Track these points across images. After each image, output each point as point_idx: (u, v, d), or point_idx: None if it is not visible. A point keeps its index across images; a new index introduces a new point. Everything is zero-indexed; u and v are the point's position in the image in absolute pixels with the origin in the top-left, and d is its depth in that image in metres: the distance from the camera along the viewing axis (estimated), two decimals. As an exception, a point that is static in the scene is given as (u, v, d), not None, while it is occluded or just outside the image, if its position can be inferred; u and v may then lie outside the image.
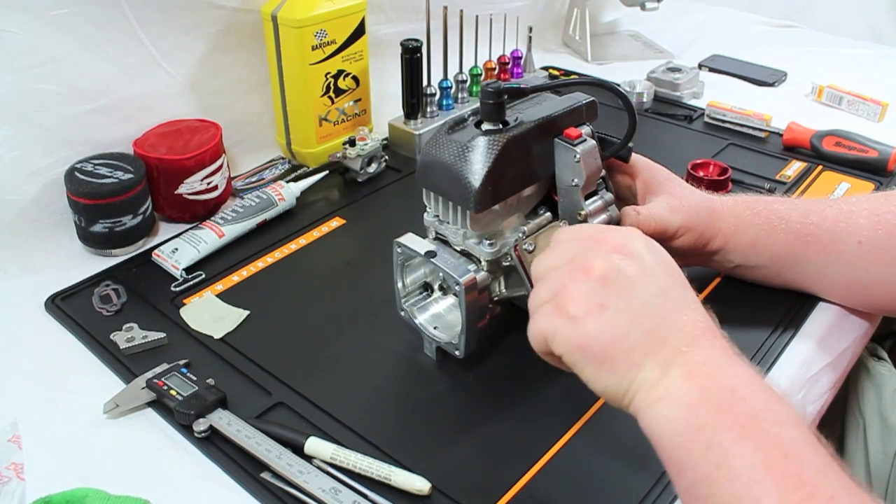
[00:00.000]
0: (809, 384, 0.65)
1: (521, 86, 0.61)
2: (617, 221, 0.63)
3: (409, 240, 0.62)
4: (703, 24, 1.42)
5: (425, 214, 0.63)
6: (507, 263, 0.61)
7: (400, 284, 0.64)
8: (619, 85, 1.09)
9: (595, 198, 0.62)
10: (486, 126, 0.58)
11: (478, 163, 0.55)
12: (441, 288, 0.65)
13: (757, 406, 0.42)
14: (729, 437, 0.41)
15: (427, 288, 0.66)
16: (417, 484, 0.53)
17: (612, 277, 0.46)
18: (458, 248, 0.61)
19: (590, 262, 0.47)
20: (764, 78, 1.19)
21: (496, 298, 0.62)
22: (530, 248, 0.58)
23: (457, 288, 0.58)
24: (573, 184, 0.60)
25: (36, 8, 0.75)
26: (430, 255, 0.60)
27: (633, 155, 0.65)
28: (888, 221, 0.64)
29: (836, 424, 0.80)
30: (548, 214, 0.63)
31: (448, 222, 0.61)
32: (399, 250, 0.62)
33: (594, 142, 0.60)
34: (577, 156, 0.59)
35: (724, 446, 0.41)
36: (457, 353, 0.61)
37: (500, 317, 0.64)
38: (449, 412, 0.61)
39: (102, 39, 0.80)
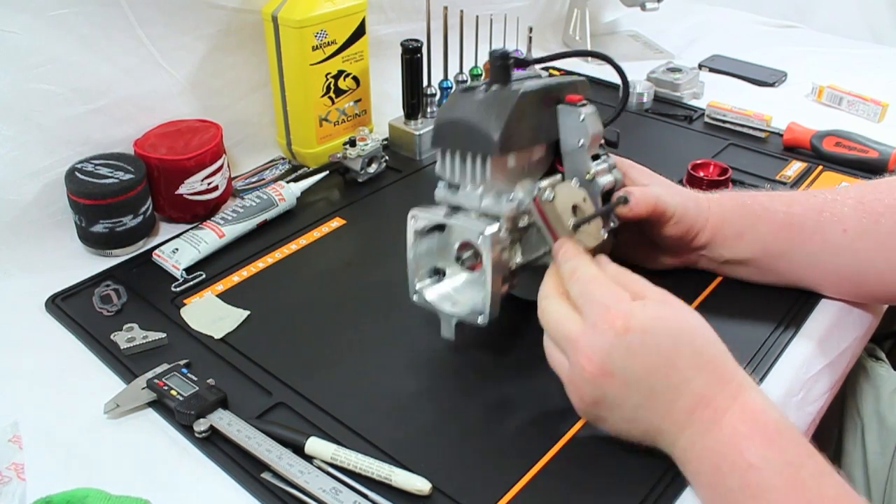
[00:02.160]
0: (809, 385, 0.65)
1: (524, 57, 0.65)
2: (621, 184, 0.65)
3: (424, 210, 0.62)
4: (703, 25, 1.42)
5: (437, 190, 0.64)
6: (525, 224, 0.61)
7: (412, 255, 0.63)
8: (618, 86, 1.09)
9: (599, 161, 0.64)
10: (495, 87, 0.61)
11: (499, 110, 0.59)
12: (458, 259, 0.64)
13: (734, 485, 0.47)
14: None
15: (437, 272, 0.65)
16: (418, 484, 0.53)
17: (600, 400, 0.52)
18: (476, 215, 0.61)
19: (581, 387, 0.52)
20: (764, 78, 1.19)
21: (513, 269, 0.62)
22: (550, 198, 0.58)
23: (480, 240, 0.58)
24: (579, 145, 0.62)
25: (36, 8, 0.75)
26: (451, 213, 0.61)
27: (617, 157, 0.66)
28: (873, 209, 0.64)
29: (833, 425, 0.80)
30: (557, 175, 0.64)
31: (464, 186, 0.62)
32: (414, 220, 0.62)
33: (594, 106, 0.63)
34: (583, 115, 0.62)
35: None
36: (480, 319, 0.60)
37: (500, 318, 0.64)
38: (449, 412, 0.61)
39: (102, 39, 0.80)
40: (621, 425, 0.53)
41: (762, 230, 0.67)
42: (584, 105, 0.63)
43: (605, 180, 0.63)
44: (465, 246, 0.62)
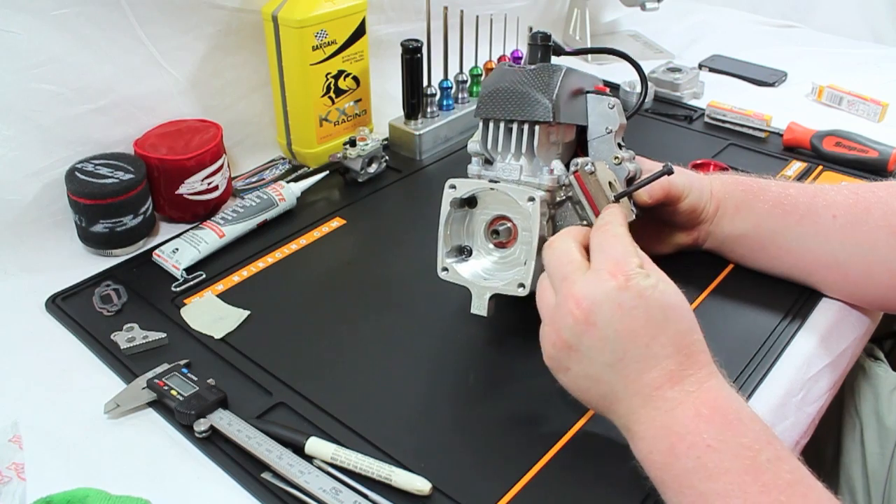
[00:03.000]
0: (809, 385, 0.65)
1: (559, 45, 0.68)
2: (640, 174, 0.67)
3: (461, 181, 0.62)
4: (703, 24, 1.42)
5: (470, 166, 0.64)
6: (562, 198, 0.62)
7: (445, 227, 0.62)
8: (618, 86, 1.10)
9: (622, 150, 0.66)
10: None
11: (547, 80, 0.61)
12: (493, 233, 0.63)
13: (690, 466, 0.47)
14: (697, 477, 0.47)
15: (462, 251, 0.64)
16: (418, 484, 0.53)
17: (574, 346, 0.51)
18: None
19: (560, 328, 0.51)
20: (764, 78, 1.19)
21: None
22: (591, 170, 0.59)
23: (530, 203, 0.59)
24: (607, 132, 0.66)
25: (36, 8, 0.75)
26: (494, 182, 0.61)
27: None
28: (865, 199, 0.66)
29: (833, 425, 0.80)
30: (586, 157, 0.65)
31: (505, 159, 0.62)
32: (452, 191, 0.62)
33: (618, 99, 0.67)
34: (612, 104, 0.66)
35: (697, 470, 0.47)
36: (520, 290, 0.60)
37: (500, 316, 0.64)
38: (449, 412, 0.61)
39: (102, 39, 0.80)
40: (582, 381, 0.52)
41: (756, 206, 0.70)
42: (611, 95, 0.66)
43: (631, 167, 0.66)
44: (500, 219, 0.62)
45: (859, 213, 0.66)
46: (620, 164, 0.65)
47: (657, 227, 0.72)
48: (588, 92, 0.66)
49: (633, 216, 0.63)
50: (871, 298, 0.70)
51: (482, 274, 0.63)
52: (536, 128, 0.61)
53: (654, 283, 0.50)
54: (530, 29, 1.11)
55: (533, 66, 0.62)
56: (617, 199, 0.59)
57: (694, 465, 0.46)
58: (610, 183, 0.61)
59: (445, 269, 0.63)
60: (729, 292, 0.72)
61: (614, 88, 1.13)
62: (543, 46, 0.64)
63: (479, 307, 0.62)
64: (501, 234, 0.62)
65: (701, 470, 0.46)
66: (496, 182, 0.61)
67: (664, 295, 0.50)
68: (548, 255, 0.55)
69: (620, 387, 0.50)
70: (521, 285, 0.60)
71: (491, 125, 0.63)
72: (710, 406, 0.48)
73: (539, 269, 0.58)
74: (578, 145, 0.68)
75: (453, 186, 0.62)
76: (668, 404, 0.49)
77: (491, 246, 0.63)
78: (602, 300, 0.49)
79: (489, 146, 0.63)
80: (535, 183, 0.61)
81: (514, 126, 0.62)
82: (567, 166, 0.63)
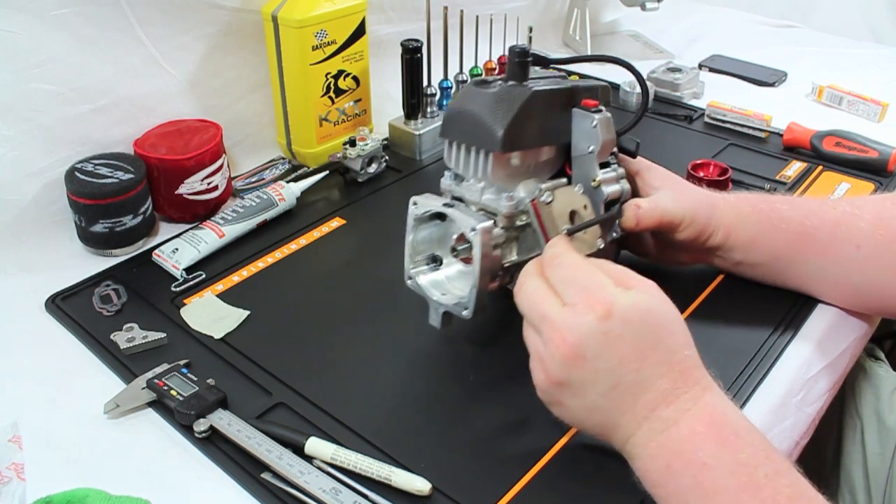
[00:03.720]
0: (808, 385, 0.65)
1: (544, 56, 0.65)
2: (628, 196, 0.65)
3: (426, 197, 0.63)
4: (703, 24, 1.42)
5: (443, 179, 0.64)
6: (522, 223, 0.62)
7: (410, 238, 0.64)
8: (618, 86, 1.09)
9: (608, 169, 0.64)
10: (511, 83, 0.60)
11: (506, 108, 0.59)
12: (453, 250, 0.64)
13: (685, 486, 0.47)
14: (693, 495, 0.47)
15: (434, 260, 0.65)
16: (418, 484, 0.53)
17: (565, 382, 0.50)
18: (476, 208, 0.62)
19: (548, 367, 0.51)
20: (764, 78, 1.19)
21: (507, 265, 0.62)
22: (548, 200, 0.59)
23: (472, 234, 0.58)
24: (589, 151, 0.62)
25: (36, 8, 0.75)
26: (449, 205, 0.61)
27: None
28: (890, 226, 0.64)
29: (833, 426, 0.80)
30: (563, 179, 0.64)
31: (467, 178, 0.62)
32: (415, 207, 0.63)
33: (609, 114, 0.63)
34: (595, 122, 0.62)
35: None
36: (464, 312, 0.60)
37: (500, 317, 0.64)
38: (450, 412, 0.61)
39: (102, 39, 0.80)
40: (578, 413, 0.52)
41: (775, 238, 0.66)
42: (598, 111, 0.62)
43: (611, 189, 0.63)
44: (462, 238, 0.62)
45: (885, 243, 0.63)
46: (598, 187, 0.63)
47: (659, 241, 0.70)
48: (575, 106, 0.63)
49: (599, 245, 0.60)
50: (882, 312, 0.70)
51: (446, 283, 0.64)
52: (490, 155, 0.59)
53: (635, 299, 0.49)
54: (530, 29, 1.11)
55: (496, 90, 0.60)
56: (570, 233, 0.57)
57: (690, 483, 0.46)
58: (574, 212, 0.60)
59: (410, 278, 0.64)
60: (724, 297, 0.71)
61: (614, 88, 1.13)
62: (520, 63, 0.60)
63: (435, 320, 0.64)
64: (460, 252, 0.63)
65: (698, 488, 0.46)
66: (451, 206, 0.61)
67: (649, 313, 0.50)
68: (520, 300, 0.54)
69: (616, 414, 0.50)
70: (466, 308, 0.61)
71: (454, 146, 0.62)
72: (707, 422, 0.48)
73: (485, 292, 0.60)
74: (567, 160, 0.65)
75: (415, 203, 0.63)
76: (663, 424, 0.48)
77: (457, 259, 0.64)
78: (587, 333, 0.49)
79: (452, 165, 0.63)
80: (494, 207, 0.61)
81: (472, 150, 0.61)
82: (553, 179, 0.63)
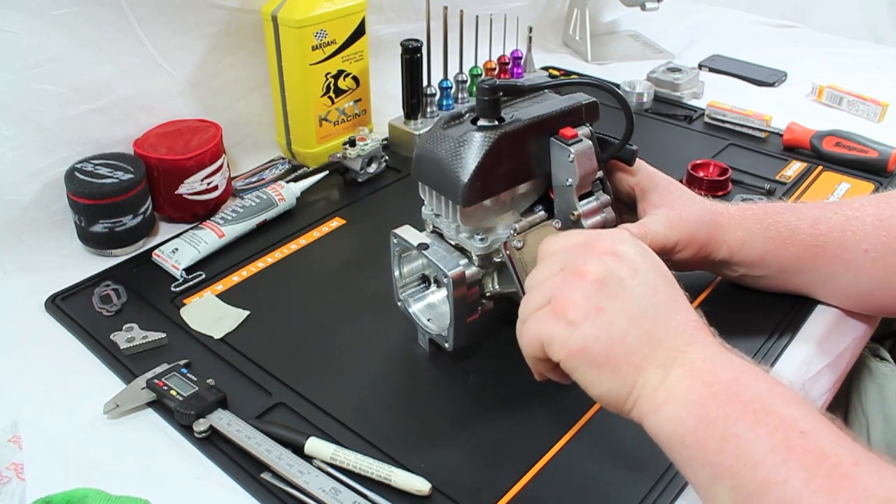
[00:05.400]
0: (809, 385, 0.65)
1: (518, 84, 0.60)
2: (612, 224, 0.63)
3: (406, 231, 0.62)
4: (703, 24, 1.42)
5: (423, 208, 0.64)
6: (499, 259, 0.61)
7: (397, 273, 0.65)
8: (618, 86, 1.09)
9: (590, 198, 0.62)
10: (481, 122, 0.58)
11: (468, 158, 0.56)
12: (435, 280, 0.65)
13: (762, 392, 0.43)
14: (743, 425, 0.41)
15: (425, 280, 0.66)
16: (417, 484, 0.53)
17: (606, 280, 0.46)
18: (453, 243, 0.62)
19: (583, 266, 0.47)
20: (764, 78, 1.19)
21: (489, 294, 0.62)
22: (519, 245, 0.59)
23: (445, 280, 0.58)
24: (567, 183, 0.60)
25: (36, 8, 0.75)
26: (423, 247, 0.60)
27: (644, 169, 0.65)
28: (892, 227, 0.64)
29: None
30: (542, 213, 0.63)
31: (442, 216, 0.62)
32: (395, 241, 0.63)
33: (590, 142, 0.60)
34: (571, 155, 0.59)
35: (740, 436, 0.41)
36: (446, 345, 0.61)
37: (499, 316, 0.64)
38: (449, 413, 0.61)
39: (102, 39, 0.80)
40: (620, 323, 0.45)
41: (785, 252, 0.65)
42: (576, 143, 0.59)
43: (593, 221, 0.62)
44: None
45: (890, 244, 0.63)
46: (577, 220, 0.61)
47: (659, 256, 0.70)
48: (552, 136, 0.60)
49: None
50: (893, 313, 0.70)
51: (438, 305, 0.65)
52: (458, 204, 0.58)
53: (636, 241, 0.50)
54: (530, 29, 1.12)
55: (461, 133, 0.57)
56: None
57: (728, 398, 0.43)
58: None
59: (400, 300, 0.65)
60: (724, 297, 0.71)
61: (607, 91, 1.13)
62: (490, 101, 0.57)
63: (423, 342, 0.65)
64: (442, 286, 0.62)
65: (743, 409, 0.42)
66: (426, 246, 0.60)
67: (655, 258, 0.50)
68: (523, 343, 0.51)
69: (663, 320, 0.46)
70: (447, 342, 0.61)
71: (426, 186, 0.61)
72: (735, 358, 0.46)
73: (462, 328, 0.60)
74: (550, 186, 0.62)
75: (395, 239, 0.63)
76: (711, 339, 0.46)
77: None
78: (619, 238, 0.49)
79: (426, 203, 0.63)
80: (468, 246, 0.60)
81: (443, 197, 0.60)
82: (535, 206, 0.62)
